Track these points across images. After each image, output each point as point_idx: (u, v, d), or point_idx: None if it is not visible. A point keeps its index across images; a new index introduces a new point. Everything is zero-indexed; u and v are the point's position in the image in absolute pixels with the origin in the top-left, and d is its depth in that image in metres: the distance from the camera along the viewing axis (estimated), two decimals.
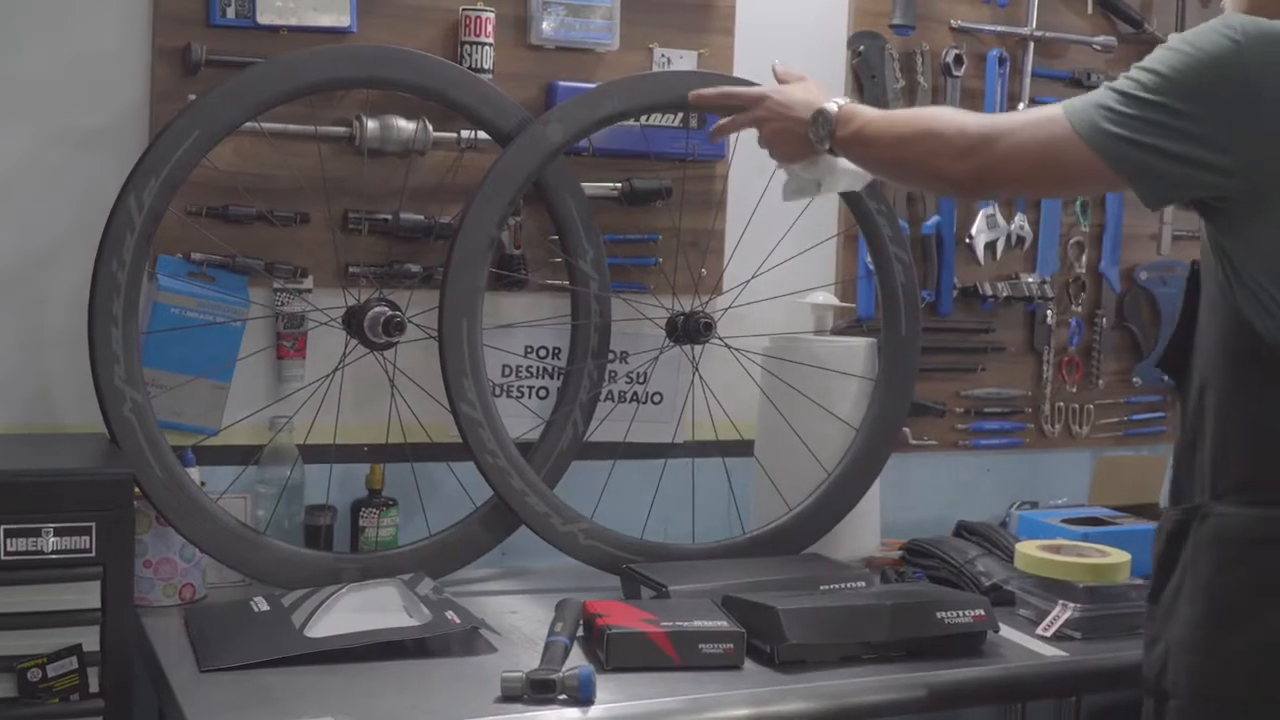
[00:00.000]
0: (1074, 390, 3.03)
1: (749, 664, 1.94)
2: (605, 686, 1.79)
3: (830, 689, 1.90)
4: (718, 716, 1.81)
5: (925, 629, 2.01)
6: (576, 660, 1.89)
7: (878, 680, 1.94)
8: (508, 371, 2.53)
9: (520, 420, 2.48)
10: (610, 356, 2.50)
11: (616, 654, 1.89)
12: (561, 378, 2.48)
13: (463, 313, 2.24)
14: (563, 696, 1.75)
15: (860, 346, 2.57)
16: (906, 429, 2.80)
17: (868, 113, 2.00)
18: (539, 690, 1.75)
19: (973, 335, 2.91)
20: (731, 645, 1.92)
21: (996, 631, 2.07)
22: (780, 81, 2.17)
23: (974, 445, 2.94)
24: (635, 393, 2.62)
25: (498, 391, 2.51)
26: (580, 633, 2.00)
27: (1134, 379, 3.10)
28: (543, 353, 2.55)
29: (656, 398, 2.63)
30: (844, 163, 2.09)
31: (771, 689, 1.87)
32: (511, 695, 1.75)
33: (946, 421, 2.89)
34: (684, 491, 2.63)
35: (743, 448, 2.61)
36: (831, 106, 2.01)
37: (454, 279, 2.23)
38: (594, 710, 1.75)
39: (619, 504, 2.60)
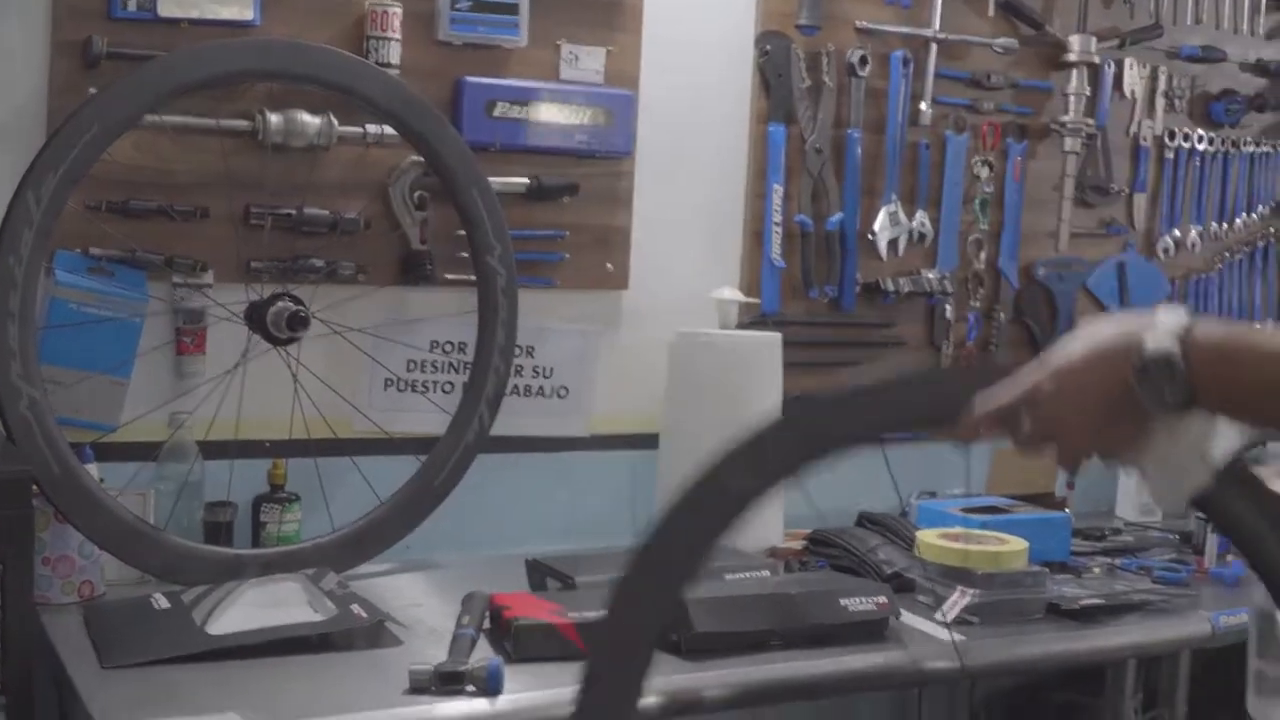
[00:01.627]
0: None
1: (657, 653, 1.95)
2: (513, 677, 1.80)
3: (737, 676, 1.92)
4: None
5: (829, 616, 2.03)
6: (484, 652, 1.89)
7: (783, 667, 1.96)
8: (413, 366, 2.52)
9: (427, 415, 2.48)
10: (517, 351, 2.50)
11: (523, 645, 1.90)
12: (468, 372, 2.48)
13: None
14: (471, 688, 1.76)
15: (767, 342, 2.59)
16: None
17: (1234, 333, 1.23)
18: (447, 682, 1.75)
19: (874, 330, 2.95)
20: None
21: (898, 618, 2.10)
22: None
23: None
24: (542, 387, 2.63)
25: (403, 386, 2.51)
26: (487, 625, 2.00)
27: None
28: (449, 347, 2.54)
29: (563, 391, 2.64)
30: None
31: (679, 677, 1.88)
32: (419, 687, 1.76)
33: None
34: (591, 485, 2.65)
35: (649, 441, 2.62)
36: (1166, 344, 1.18)
37: None
38: (502, 701, 1.75)
39: (525, 498, 2.62)
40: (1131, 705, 2.43)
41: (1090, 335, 1.24)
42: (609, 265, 2.63)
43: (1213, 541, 2.65)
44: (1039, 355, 1.26)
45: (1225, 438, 1.24)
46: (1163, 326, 1.19)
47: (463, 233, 2.42)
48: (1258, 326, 1.21)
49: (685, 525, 1.44)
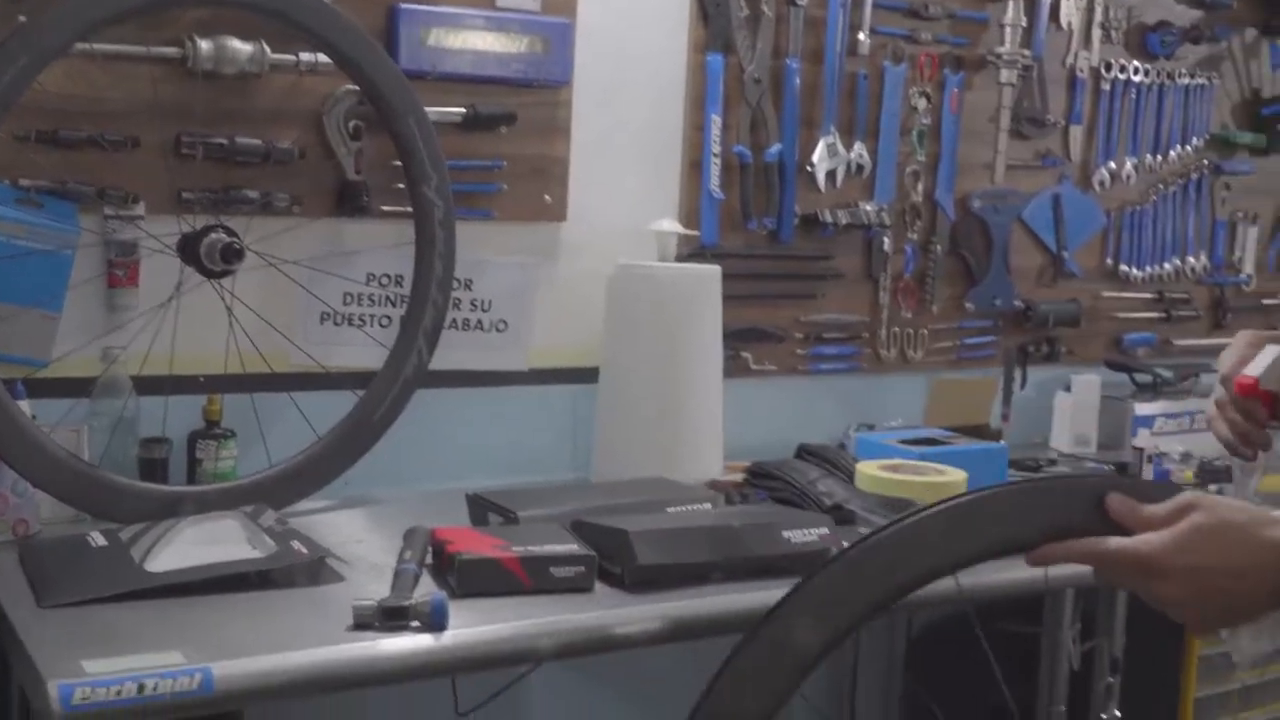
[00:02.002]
0: (909, 316, 3.09)
1: (600, 586, 1.95)
2: (457, 612, 1.78)
3: (680, 609, 1.92)
4: (571, 639, 1.82)
5: (771, 548, 2.03)
6: (427, 587, 1.87)
7: (726, 599, 1.96)
8: (349, 299, 2.49)
9: (364, 349, 2.46)
10: (455, 284, 2.47)
11: (467, 580, 1.88)
12: (405, 306, 2.45)
13: None
14: (415, 623, 1.74)
15: (707, 274, 2.58)
16: (747, 354, 2.85)
17: None
18: (391, 618, 1.74)
19: (813, 262, 2.94)
20: (583, 568, 1.93)
21: (840, 548, 2.10)
22: (1122, 527, 1.31)
23: (813, 370, 2.98)
24: (480, 320, 2.60)
25: (339, 320, 2.48)
26: (429, 560, 1.98)
27: (966, 304, 3.17)
28: (385, 280, 2.51)
29: (502, 325, 2.62)
30: None
31: (623, 610, 1.88)
32: (363, 623, 1.74)
33: (786, 347, 2.93)
34: (531, 420, 2.64)
35: (589, 375, 2.61)
36: None
37: None
38: (447, 636, 1.74)
39: (465, 433, 2.60)
40: (1070, 635, 2.45)
41: (1238, 540, 1.28)
42: (547, 197, 2.61)
43: (1150, 471, 2.68)
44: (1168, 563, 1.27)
45: None
46: None
47: (399, 163, 2.37)
48: None
49: (750, 688, 1.31)
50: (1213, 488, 2.84)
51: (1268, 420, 1.60)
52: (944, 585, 2.08)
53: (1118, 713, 2.52)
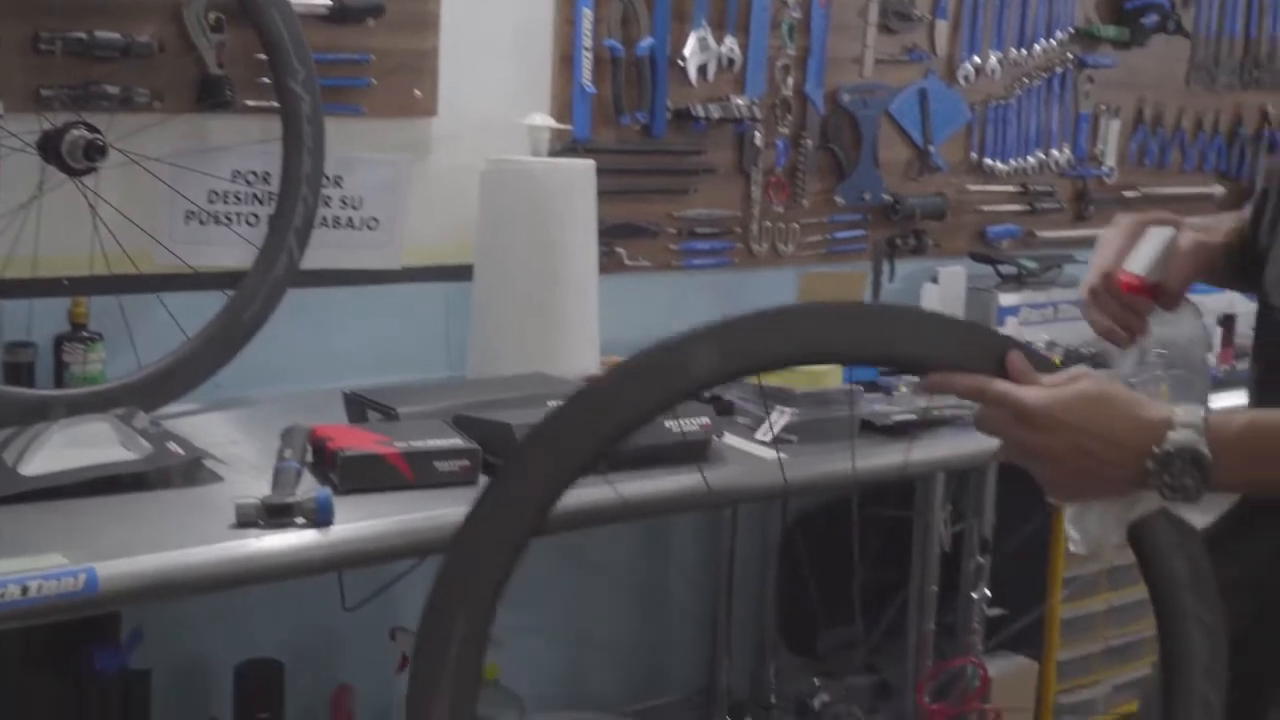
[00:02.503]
0: (780, 210, 3.10)
1: (484, 479, 1.94)
2: (341, 508, 1.77)
3: (565, 498, 1.92)
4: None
5: (654, 438, 2.04)
6: (309, 485, 1.86)
7: (610, 490, 1.97)
8: (215, 198, 2.43)
9: (232, 248, 2.41)
10: (324, 182, 2.43)
11: (350, 476, 1.87)
12: (273, 203, 2.40)
13: None
14: (300, 520, 1.73)
15: (581, 169, 2.56)
16: (621, 250, 2.84)
17: (1257, 424, 1.37)
18: (275, 515, 1.72)
19: (685, 157, 2.94)
20: (467, 462, 1.93)
21: (720, 438, 2.13)
22: (1017, 378, 1.38)
23: (686, 265, 2.98)
24: (351, 218, 2.57)
25: (205, 219, 2.43)
26: (309, 459, 1.97)
27: (836, 198, 3.19)
28: (251, 178, 2.46)
29: (373, 223, 2.58)
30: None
31: None
32: (247, 521, 1.72)
33: (660, 242, 2.93)
34: (405, 318, 2.62)
35: (463, 272, 2.59)
36: (1190, 435, 1.32)
37: None
38: (333, 532, 1.73)
39: (338, 332, 2.58)
40: (941, 518, 2.51)
41: (1119, 411, 1.34)
42: (417, 92, 2.56)
43: None
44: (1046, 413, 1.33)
45: (1146, 505, 1.36)
46: (1184, 420, 1.31)
47: (263, 57, 2.32)
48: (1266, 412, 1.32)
49: (630, 385, 1.39)
50: None
51: (1149, 310, 1.60)
52: (829, 468, 2.14)
53: (987, 592, 2.60)
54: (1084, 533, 1.41)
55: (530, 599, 2.70)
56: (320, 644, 2.54)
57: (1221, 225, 1.66)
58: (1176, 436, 1.31)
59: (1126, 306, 1.59)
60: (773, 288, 3.06)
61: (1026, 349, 1.42)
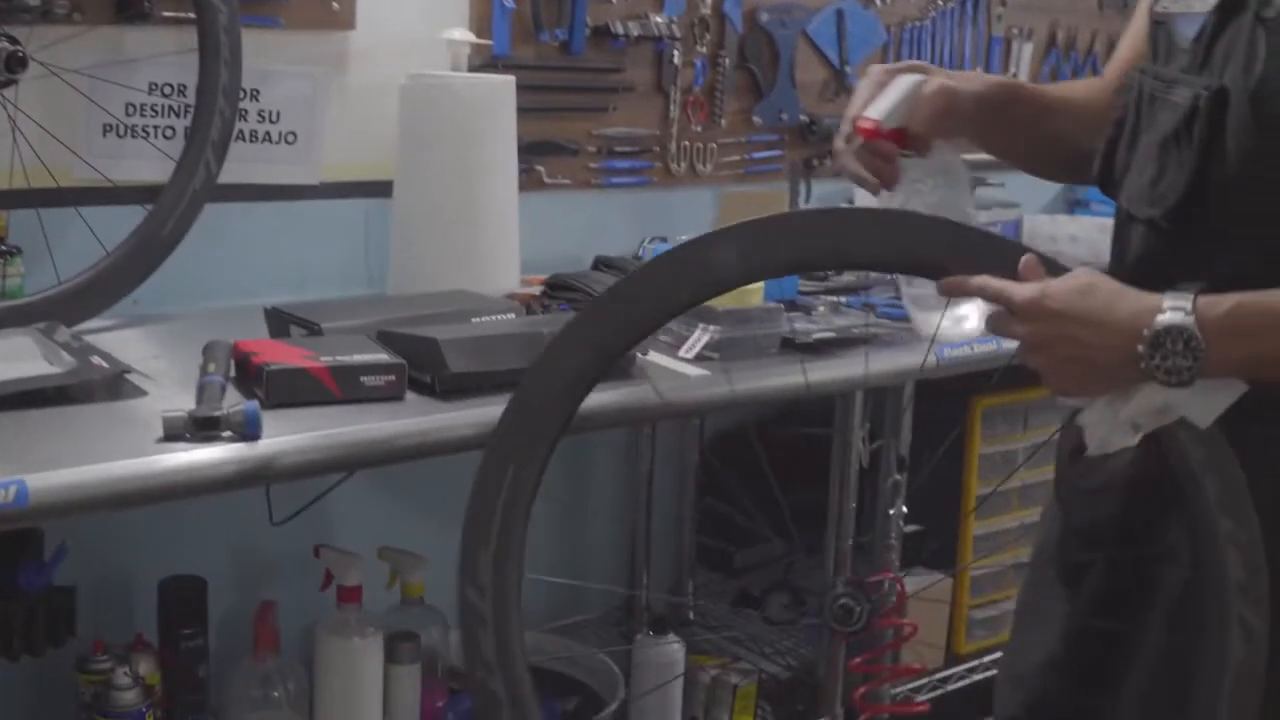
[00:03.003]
0: (698, 129, 3.11)
1: (411, 395, 1.95)
2: (269, 421, 1.76)
3: (492, 415, 1.90)
4: (385, 446, 1.83)
5: None
6: (234, 399, 1.85)
7: None
8: (132, 110, 2.40)
9: (151, 162, 2.38)
10: (241, 95, 2.40)
11: (276, 390, 1.86)
12: (190, 116, 2.37)
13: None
14: (228, 433, 1.73)
15: (501, 85, 2.55)
16: (541, 168, 2.84)
17: (1245, 304, 1.38)
18: (203, 428, 1.71)
19: (604, 75, 2.93)
20: (393, 377, 1.93)
21: (645, 355, 2.15)
22: (1026, 277, 1.45)
23: (606, 183, 2.99)
24: (269, 132, 2.54)
25: (123, 132, 2.39)
26: (233, 374, 1.96)
27: (754, 118, 3.20)
28: (169, 90, 2.42)
29: (291, 137, 2.56)
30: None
31: (435, 417, 1.90)
32: (174, 434, 1.71)
33: (579, 160, 2.93)
34: (324, 234, 2.60)
35: (383, 188, 2.57)
36: (1179, 316, 1.35)
37: None
38: (261, 445, 1.73)
39: (257, 249, 2.56)
40: (859, 435, 2.54)
41: (1108, 300, 1.39)
42: (335, 4, 2.53)
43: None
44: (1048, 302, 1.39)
45: (1146, 396, 1.38)
46: (1172, 303, 1.34)
47: None
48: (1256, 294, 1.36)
49: (657, 281, 1.50)
50: None
51: (897, 155, 1.62)
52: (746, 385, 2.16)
53: (904, 508, 2.64)
54: (1091, 430, 1.44)
55: (455, 520, 2.72)
56: (244, 561, 2.55)
57: (981, 78, 1.71)
58: (1165, 318, 1.34)
59: (874, 153, 1.62)
60: (691, 208, 3.09)
61: (1043, 256, 1.47)
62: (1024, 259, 1.46)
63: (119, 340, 2.22)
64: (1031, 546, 1.91)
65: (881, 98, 1.62)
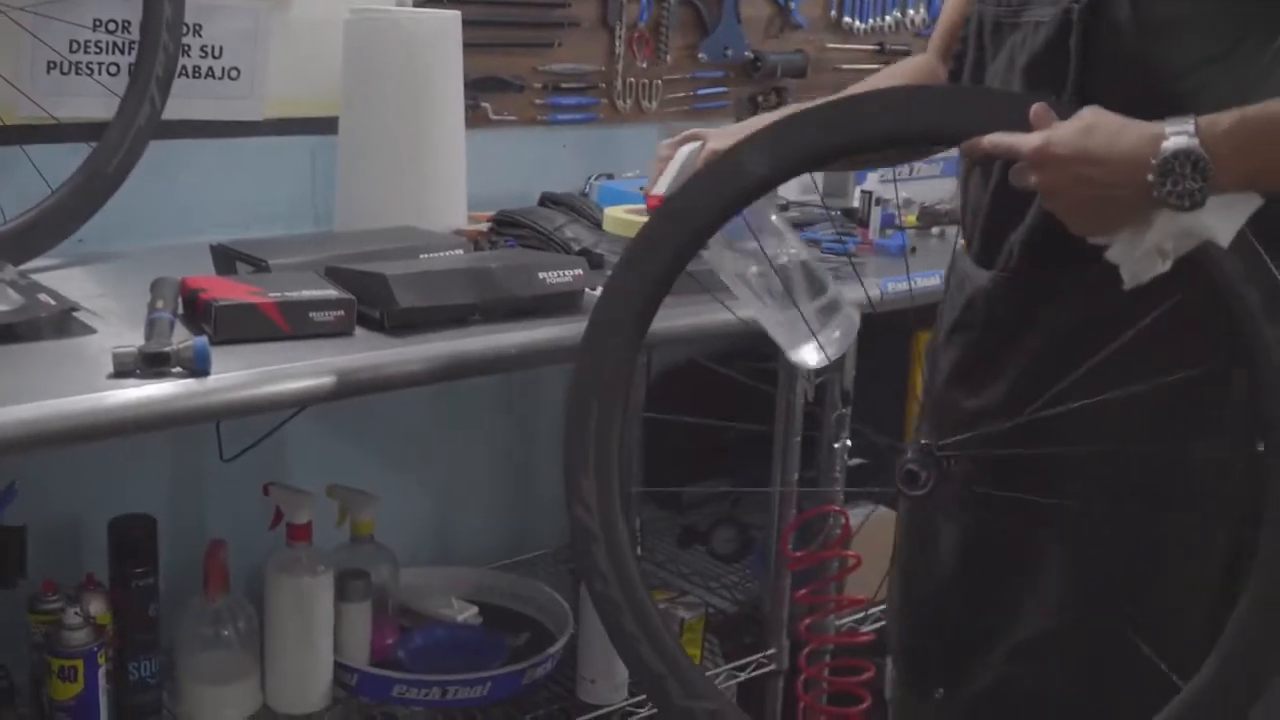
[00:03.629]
0: (644, 66, 3.11)
1: (360, 330, 1.96)
2: (218, 358, 1.77)
3: (441, 350, 1.95)
4: (335, 381, 1.83)
5: (528, 289, 2.07)
6: (183, 336, 1.85)
7: (484, 340, 2.00)
8: (76, 47, 2.38)
9: (96, 99, 2.36)
10: (185, 29, 2.39)
11: (225, 326, 1.86)
12: (134, 52, 2.34)
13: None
14: (178, 369, 1.73)
15: (447, 20, 2.54)
16: (486, 104, 2.83)
17: (1248, 118, 1.40)
18: (153, 363, 1.71)
19: (549, 10, 2.93)
20: (342, 312, 1.93)
21: (593, 290, 2.16)
22: (1037, 125, 1.47)
23: (551, 120, 2.99)
24: (212, 68, 2.52)
25: (66, 69, 2.37)
26: (181, 311, 1.96)
27: (699, 55, 3.20)
28: (112, 26, 2.40)
29: (234, 73, 2.54)
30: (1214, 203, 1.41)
31: (384, 352, 1.90)
32: (124, 370, 1.71)
33: (525, 97, 2.92)
34: (270, 171, 2.59)
35: (328, 125, 2.56)
36: (1184, 140, 1.37)
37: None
38: (211, 380, 1.73)
39: (202, 186, 2.55)
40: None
41: (1111, 135, 1.41)
42: None
43: (876, 215, 2.80)
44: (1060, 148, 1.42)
45: (1164, 223, 1.41)
46: (1174, 128, 1.37)
47: None
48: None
49: (702, 192, 1.63)
50: (935, 230, 2.99)
51: None
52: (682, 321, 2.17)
53: (848, 441, 2.67)
54: (1122, 265, 1.46)
55: (404, 458, 2.74)
56: (194, 499, 2.55)
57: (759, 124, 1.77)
58: (1170, 144, 1.37)
59: None
60: (637, 144, 3.09)
61: (1054, 101, 1.49)
62: (1033, 110, 1.48)
63: (66, 278, 2.20)
64: None
65: (665, 173, 1.84)
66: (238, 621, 2.34)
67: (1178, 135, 1.37)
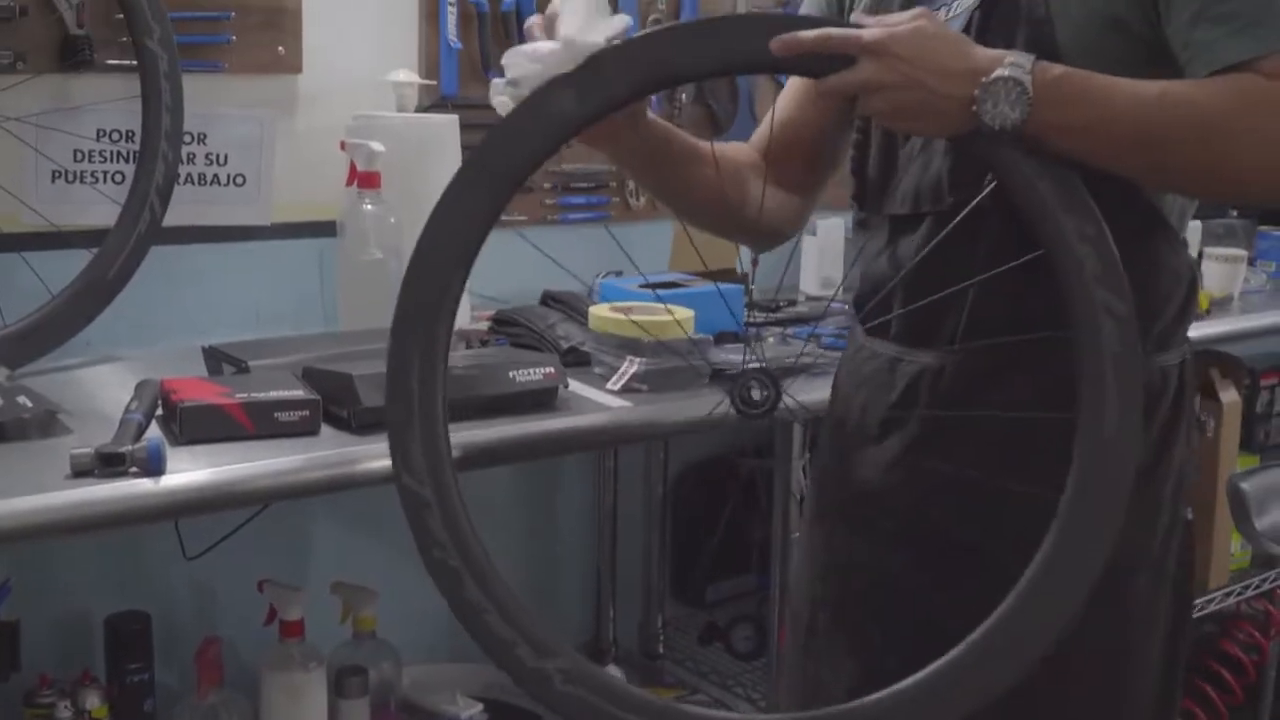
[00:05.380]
0: None
1: (326, 429, 1.98)
2: (180, 458, 1.81)
3: None
4: (294, 479, 1.86)
5: (499, 388, 2.09)
6: (152, 436, 1.89)
7: (455, 437, 2.01)
8: (80, 156, 2.46)
9: (98, 207, 2.44)
10: (188, 139, 2.47)
11: (189, 426, 1.90)
12: (136, 161, 2.42)
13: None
14: (133, 469, 1.77)
15: (445, 124, 2.60)
16: None
17: (1072, 74, 1.45)
18: (108, 464, 1.75)
19: None
20: (307, 412, 1.96)
21: (566, 387, 2.18)
22: (865, 24, 1.47)
23: (563, 220, 3.02)
24: (217, 175, 2.59)
25: (70, 178, 2.45)
26: (160, 412, 2.00)
27: None
28: (115, 136, 2.48)
29: (240, 179, 2.61)
30: None
31: (347, 450, 1.93)
32: (81, 470, 1.75)
33: (535, 197, 2.97)
34: (275, 274, 2.65)
35: (332, 228, 2.61)
36: (1018, 71, 1.41)
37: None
38: (166, 480, 1.76)
39: (209, 289, 2.61)
40: (800, 465, 2.55)
41: (951, 47, 1.44)
42: (280, 48, 2.59)
43: None
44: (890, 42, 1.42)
45: None
46: (1014, 59, 1.41)
47: (122, 16, 2.34)
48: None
49: (508, 138, 1.52)
50: None
51: None
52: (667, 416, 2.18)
53: None
54: None
55: (410, 550, 2.75)
56: (188, 596, 2.58)
57: None
58: (1004, 70, 1.41)
59: None
60: (650, 240, 3.11)
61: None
62: (855, 14, 1.51)
63: (66, 381, 2.27)
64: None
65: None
66: (232, 717, 2.36)
67: (1014, 66, 1.41)
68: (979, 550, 1.66)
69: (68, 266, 2.33)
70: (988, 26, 1.59)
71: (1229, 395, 3.28)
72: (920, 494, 1.73)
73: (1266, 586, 3.49)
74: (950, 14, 1.63)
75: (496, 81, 1.55)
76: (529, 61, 1.50)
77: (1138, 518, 1.61)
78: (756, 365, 1.64)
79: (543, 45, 1.51)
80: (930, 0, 1.66)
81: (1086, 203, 1.47)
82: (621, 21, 1.51)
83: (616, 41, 1.49)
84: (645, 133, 1.72)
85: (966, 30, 1.59)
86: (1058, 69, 1.43)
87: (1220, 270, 3.31)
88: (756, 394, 1.61)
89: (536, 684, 1.55)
